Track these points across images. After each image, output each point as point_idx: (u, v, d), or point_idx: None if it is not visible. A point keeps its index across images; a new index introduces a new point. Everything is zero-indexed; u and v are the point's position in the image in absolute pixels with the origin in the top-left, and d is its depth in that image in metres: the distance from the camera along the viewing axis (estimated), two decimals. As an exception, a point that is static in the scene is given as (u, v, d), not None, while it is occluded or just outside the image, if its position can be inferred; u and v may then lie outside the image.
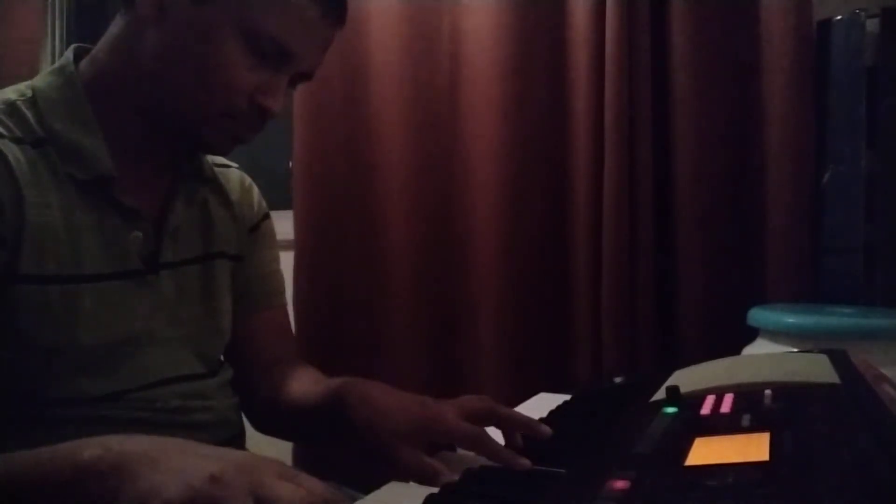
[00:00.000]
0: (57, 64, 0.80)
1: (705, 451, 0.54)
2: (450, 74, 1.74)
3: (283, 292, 1.01)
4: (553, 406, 0.91)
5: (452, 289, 1.75)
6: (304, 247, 1.83)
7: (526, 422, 0.75)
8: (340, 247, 1.82)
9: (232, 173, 0.96)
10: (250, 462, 0.52)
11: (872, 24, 1.48)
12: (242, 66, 0.75)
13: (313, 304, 1.82)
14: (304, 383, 0.91)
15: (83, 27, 2.52)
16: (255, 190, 0.99)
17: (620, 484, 0.50)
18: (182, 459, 0.50)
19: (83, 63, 0.80)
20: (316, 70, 0.82)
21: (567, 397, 0.97)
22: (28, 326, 0.70)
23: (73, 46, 0.82)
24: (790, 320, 1.29)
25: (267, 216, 1.00)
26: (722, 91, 1.57)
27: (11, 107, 0.75)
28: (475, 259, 1.71)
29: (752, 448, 0.52)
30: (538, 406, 0.91)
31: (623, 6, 1.55)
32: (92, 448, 0.52)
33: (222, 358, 0.92)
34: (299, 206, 1.84)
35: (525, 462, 0.68)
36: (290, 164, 1.87)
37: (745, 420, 0.60)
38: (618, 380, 1.04)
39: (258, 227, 0.97)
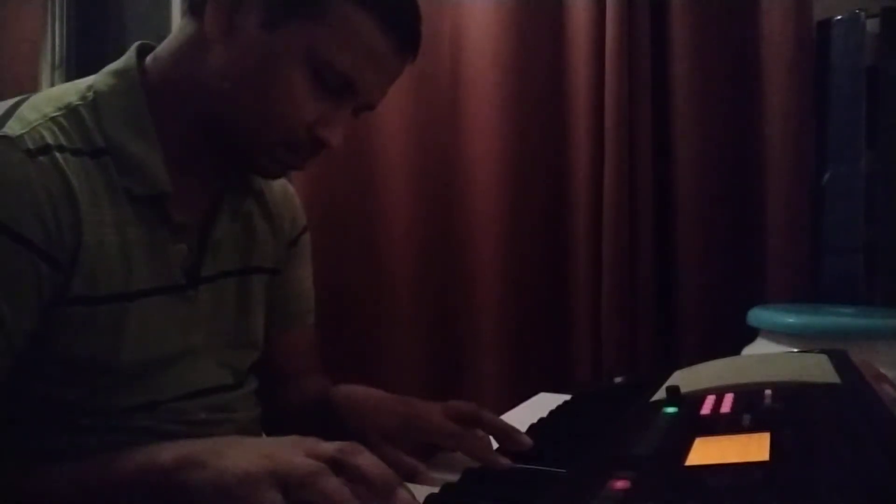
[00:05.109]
0: (119, 64, 0.76)
1: (705, 451, 0.54)
2: (450, 74, 1.75)
3: (312, 310, 0.98)
4: (553, 406, 0.91)
5: (452, 289, 1.75)
6: (304, 246, 1.83)
7: (507, 430, 0.76)
8: (340, 246, 1.82)
9: (275, 181, 0.92)
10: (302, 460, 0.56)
11: (872, 24, 1.48)
12: (306, 97, 0.72)
13: (313, 303, 1.82)
14: (305, 394, 0.92)
15: (83, 27, 2.52)
16: (297, 200, 0.95)
17: (620, 484, 0.50)
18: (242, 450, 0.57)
19: (145, 65, 0.76)
20: (379, 102, 0.79)
21: (567, 397, 0.97)
22: (72, 345, 0.69)
23: (136, 44, 0.78)
24: (790, 320, 1.29)
25: (305, 229, 0.96)
26: (722, 91, 1.57)
27: (73, 113, 0.71)
28: (475, 259, 1.71)
29: (753, 448, 0.52)
30: (538, 406, 0.91)
31: (623, 6, 1.55)
32: (169, 451, 0.58)
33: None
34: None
35: (505, 461, 0.69)
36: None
37: (746, 420, 0.60)
38: (618, 380, 1.04)
39: (297, 242, 0.94)
